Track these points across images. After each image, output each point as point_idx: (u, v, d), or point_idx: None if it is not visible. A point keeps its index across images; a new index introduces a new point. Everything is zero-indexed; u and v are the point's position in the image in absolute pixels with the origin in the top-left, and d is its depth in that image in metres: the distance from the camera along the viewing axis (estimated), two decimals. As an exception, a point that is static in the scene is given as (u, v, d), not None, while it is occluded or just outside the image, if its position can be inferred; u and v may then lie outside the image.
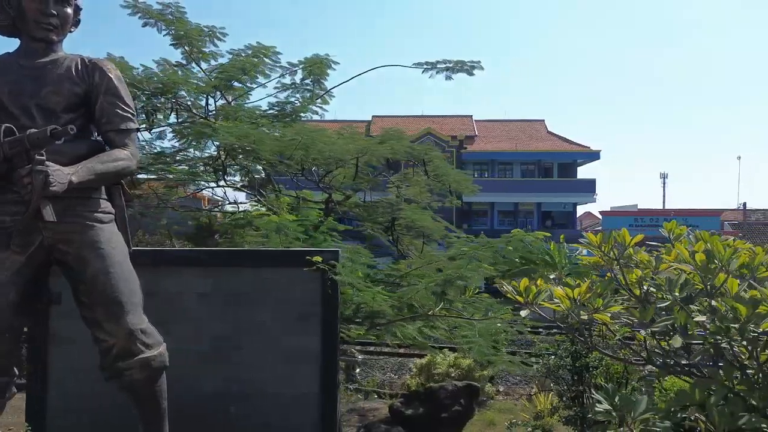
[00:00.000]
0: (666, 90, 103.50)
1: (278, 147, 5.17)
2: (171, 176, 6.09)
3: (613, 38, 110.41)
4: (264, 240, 4.37)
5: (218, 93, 6.70)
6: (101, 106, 2.41)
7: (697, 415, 2.43)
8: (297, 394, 3.74)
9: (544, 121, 41.34)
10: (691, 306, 2.66)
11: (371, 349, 10.98)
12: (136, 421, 2.67)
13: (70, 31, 2.53)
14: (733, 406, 2.50)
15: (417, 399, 6.79)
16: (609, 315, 2.41)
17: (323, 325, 3.74)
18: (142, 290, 3.72)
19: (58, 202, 2.15)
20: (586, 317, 2.36)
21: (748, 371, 2.68)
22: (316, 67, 7.27)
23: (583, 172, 40.22)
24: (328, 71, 7.42)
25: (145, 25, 6.96)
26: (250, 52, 6.93)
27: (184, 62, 7.16)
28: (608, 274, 3.02)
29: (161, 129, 6.37)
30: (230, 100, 7.07)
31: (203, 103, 6.83)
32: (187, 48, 6.98)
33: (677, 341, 2.60)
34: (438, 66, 7.30)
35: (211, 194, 8.80)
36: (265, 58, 6.83)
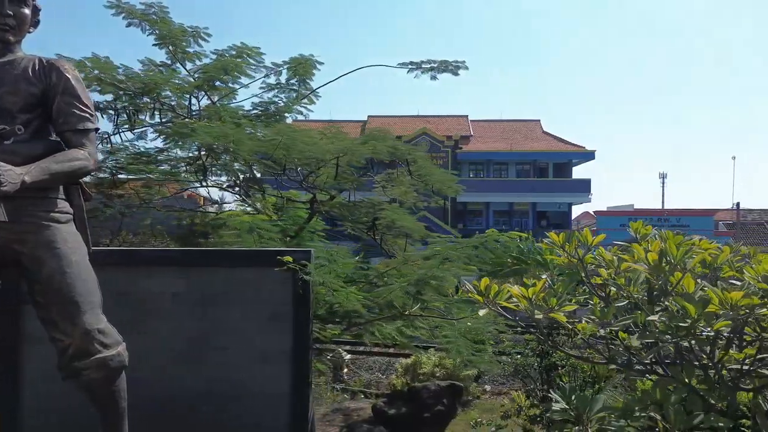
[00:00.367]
0: (664, 90, 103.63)
1: (258, 147, 5.17)
2: (153, 176, 6.09)
3: (612, 38, 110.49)
4: (239, 240, 4.37)
5: (201, 93, 6.70)
6: (58, 106, 2.41)
7: (652, 414, 2.44)
8: (269, 393, 3.74)
9: (539, 121, 41.41)
10: (656, 305, 2.68)
11: (361, 349, 11.00)
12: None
13: (29, 32, 2.53)
14: (691, 405, 2.51)
15: (400, 399, 6.80)
16: (564, 314, 2.42)
17: (295, 325, 3.75)
18: (113, 290, 3.73)
19: (11, 202, 2.15)
20: (540, 317, 2.37)
21: (709, 371, 2.70)
22: (301, 68, 7.28)
23: (582, 172, 40.37)
24: (314, 71, 7.44)
25: (129, 25, 6.96)
26: (234, 52, 6.94)
27: (169, 62, 7.16)
28: (576, 273, 3.04)
29: (142, 129, 6.38)
30: (215, 100, 7.08)
31: (187, 103, 6.83)
32: (171, 48, 6.98)
33: (635, 341, 2.62)
34: (423, 66, 7.30)
35: (207, 194, 8.82)
36: (248, 58, 6.84)
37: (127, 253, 4.09)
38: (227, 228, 4.61)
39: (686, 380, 2.61)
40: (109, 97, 6.27)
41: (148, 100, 6.56)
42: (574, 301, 2.74)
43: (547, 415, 2.75)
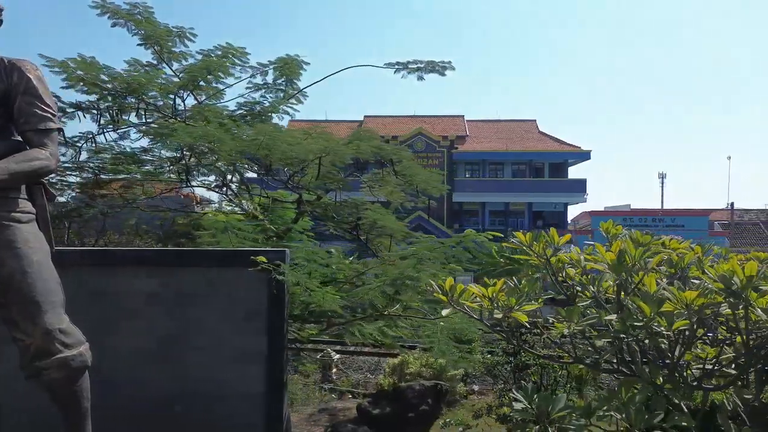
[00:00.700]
0: (662, 90, 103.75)
1: (239, 147, 5.16)
2: (137, 176, 6.08)
3: (609, 38, 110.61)
4: (214, 240, 4.37)
5: (186, 93, 6.69)
6: (19, 106, 2.41)
7: (613, 413, 2.45)
8: (244, 393, 3.74)
9: (535, 121, 41.47)
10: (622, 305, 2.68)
11: (351, 349, 10.99)
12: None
13: (-8, 32, 2.53)
14: (655, 404, 2.52)
15: (385, 399, 6.81)
16: (528, 314, 2.42)
17: (270, 325, 3.75)
18: (88, 290, 3.73)
19: (-31, 201, 2.15)
20: (500, 316, 2.38)
21: (673, 370, 2.71)
22: (288, 68, 7.27)
23: (580, 172, 40.41)
24: (300, 71, 7.44)
25: (114, 25, 6.94)
26: (219, 52, 6.92)
27: (155, 63, 7.15)
28: (545, 274, 3.04)
29: (126, 129, 6.37)
30: (201, 100, 7.07)
31: (172, 103, 6.82)
32: (156, 48, 6.97)
33: (600, 340, 2.63)
34: (409, 66, 7.31)
35: (192, 192, 8.81)
36: (234, 58, 6.83)
37: (102, 253, 4.09)
38: (202, 228, 4.60)
39: (651, 379, 2.62)
40: (93, 97, 6.26)
41: (133, 100, 6.55)
42: (540, 300, 2.75)
43: (510, 414, 2.75)
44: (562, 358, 3.01)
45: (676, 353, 2.52)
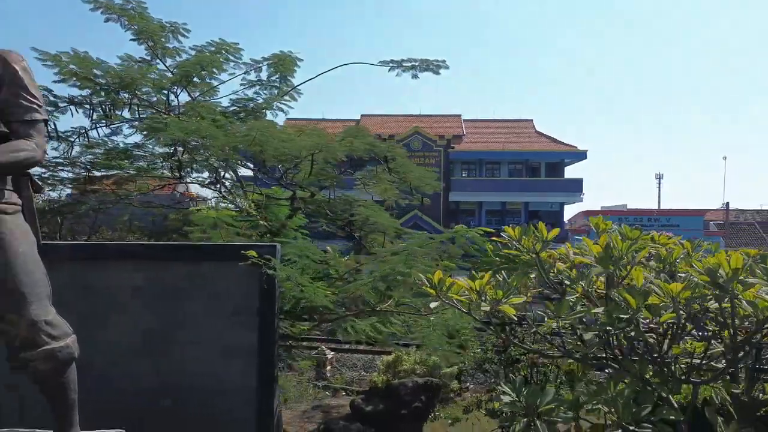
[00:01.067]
0: (658, 91, 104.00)
1: (231, 142, 5.14)
2: (130, 172, 6.05)
3: (606, 38, 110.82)
4: (205, 236, 4.36)
5: (180, 89, 6.67)
6: (5, 97, 2.39)
7: (600, 406, 2.45)
8: (235, 388, 3.73)
9: (532, 120, 41.50)
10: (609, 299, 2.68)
11: (345, 346, 10.99)
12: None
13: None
14: (643, 398, 2.52)
15: (378, 396, 6.82)
16: (515, 307, 2.42)
17: (261, 320, 3.74)
18: (77, 284, 3.71)
19: (-47, 192, 2.13)
20: (487, 308, 2.37)
21: (664, 365, 2.71)
22: (282, 64, 7.26)
23: (577, 172, 40.45)
24: (294, 68, 7.43)
25: (107, 20, 6.92)
26: (213, 48, 6.91)
27: (148, 58, 7.13)
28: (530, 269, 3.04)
29: (118, 125, 6.34)
30: (195, 96, 7.05)
31: (165, 99, 6.80)
32: (150, 44, 6.95)
33: (588, 334, 2.62)
34: (404, 64, 7.30)
35: (187, 191, 8.78)
36: (227, 54, 6.81)
37: (92, 248, 4.08)
38: (192, 225, 4.59)
39: (639, 374, 2.63)
40: (86, 92, 6.23)
41: (126, 95, 6.53)
42: (529, 294, 2.75)
43: (498, 407, 2.75)
44: (552, 353, 3.00)
45: (664, 347, 2.52)
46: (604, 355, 2.78)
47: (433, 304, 2.53)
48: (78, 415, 2.58)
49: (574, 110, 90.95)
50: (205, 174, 7.14)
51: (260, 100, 7.02)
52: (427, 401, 6.48)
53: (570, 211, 41.79)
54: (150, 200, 6.91)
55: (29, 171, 2.51)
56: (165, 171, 6.22)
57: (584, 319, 2.69)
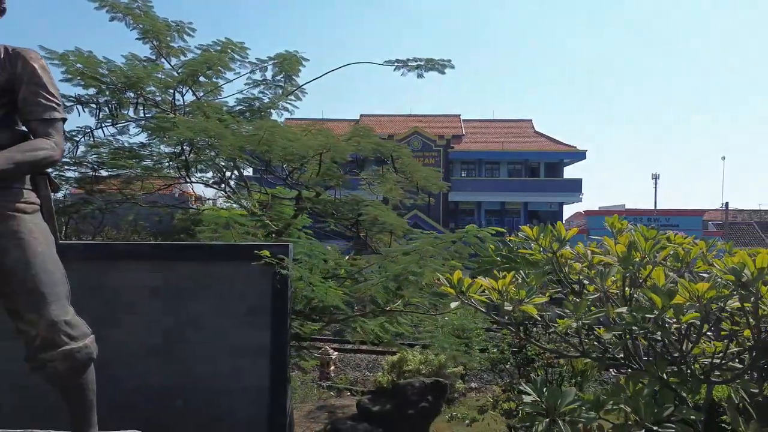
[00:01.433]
0: (657, 91, 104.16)
1: (239, 142, 5.13)
2: (134, 172, 6.03)
3: (605, 39, 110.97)
4: (217, 236, 4.34)
5: (185, 88, 6.65)
6: (24, 95, 2.37)
7: (622, 406, 2.44)
8: (247, 388, 3.72)
9: (531, 121, 41.54)
10: (627, 298, 2.68)
11: (348, 347, 10.98)
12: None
13: (-5, 20, 2.49)
14: (663, 398, 2.51)
15: (384, 396, 6.80)
16: (536, 307, 2.41)
17: (273, 320, 3.73)
18: (89, 284, 3.69)
19: (-26, 191, 2.11)
20: (510, 308, 2.36)
21: (681, 364, 2.70)
22: (287, 64, 7.25)
23: (574, 172, 40.46)
24: (299, 68, 7.41)
25: (112, 19, 6.90)
26: (219, 47, 6.89)
27: (153, 58, 7.11)
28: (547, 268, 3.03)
29: (124, 124, 6.32)
30: (200, 95, 7.03)
31: (171, 98, 6.78)
32: (155, 43, 6.93)
33: (606, 334, 2.61)
34: (409, 64, 7.29)
35: (186, 191, 8.75)
36: (233, 53, 6.80)
37: (104, 248, 4.06)
38: (204, 224, 4.57)
39: (658, 373, 2.62)
40: (92, 91, 6.21)
41: (131, 94, 6.51)
42: (547, 294, 2.74)
43: (519, 407, 2.74)
44: (568, 353, 2.99)
45: (684, 347, 2.51)
46: (621, 355, 2.78)
47: (453, 304, 2.52)
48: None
49: (572, 110, 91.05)
50: (209, 174, 7.15)
51: (266, 100, 7.00)
52: (434, 401, 6.47)
53: (567, 212, 41.89)
54: (155, 200, 6.89)
55: (47, 170, 2.49)
56: (171, 171, 6.20)
57: (601, 319, 2.68)
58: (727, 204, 33.03)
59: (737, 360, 2.71)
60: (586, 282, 2.72)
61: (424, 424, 6.51)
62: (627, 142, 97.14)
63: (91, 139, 6.19)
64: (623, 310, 2.30)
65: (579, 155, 38.35)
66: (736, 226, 37.94)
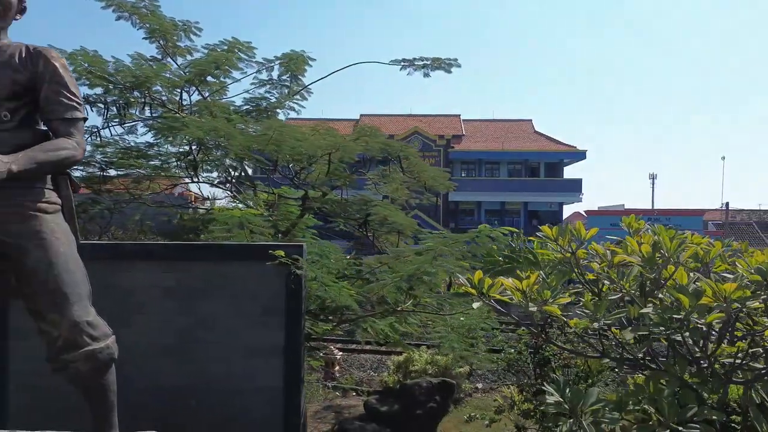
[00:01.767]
0: (657, 91, 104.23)
1: (248, 142, 5.11)
2: (142, 172, 6.02)
3: (604, 40, 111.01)
4: (229, 235, 4.33)
5: (192, 88, 6.63)
6: (45, 95, 2.36)
7: (646, 406, 2.44)
8: (261, 388, 3.71)
9: (531, 121, 41.55)
10: (648, 299, 2.67)
11: (352, 346, 10.97)
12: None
13: (15, 19, 2.48)
14: (684, 399, 2.51)
15: (392, 396, 6.79)
16: (559, 307, 2.41)
17: (288, 320, 3.72)
18: (102, 284, 3.68)
19: (-3, 191, 2.10)
20: (535, 309, 2.36)
21: (702, 364, 2.70)
22: (293, 63, 7.23)
23: (572, 172, 40.47)
24: (305, 67, 7.40)
25: (118, 18, 6.87)
26: (225, 47, 6.87)
27: (159, 57, 7.09)
28: (567, 269, 3.03)
29: (132, 123, 6.30)
30: (206, 95, 7.02)
31: (178, 98, 6.76)
32: (161, 42, 6.91)
33: (628, 334, 2.61)
34: (416, 63, 7.28)
35: (187, 190, 8.74)
36: (240, 53, 6.78)
37: (117, 248, 4.04)
38: (216, 223, 4.56)
39: (679, 374, 2.61)
40: (99, 90, 6.19)
41: (138, 94, 6.49)
42: (567, 295, 2.73)
43: (541, 408, 2.73)
44: (588, 353, 2.99)
45: (708, 348, 2.51)
46: (640, 355, 2.78)
47: (475, 304, 2.52)
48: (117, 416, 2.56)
49: (572, 110, 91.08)
50: (214, 174, 7.13)
51: (273, 100, 6.99)
52: (441, 401, 6.46)
53: (566, 212, 41.89)
54: (161, 200, 6.88)
55: (68, 169, 2.48)
56: (180, 171, 6.18)
57: (622, 320, 2.68)
58: (727, 204, 33.08)
59: (759, 360, 2.70)
60: (606, 282, 2.72)
61: (431, 425, 6.50)
62: (627, 142, 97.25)
63: (98, 138, 6.17)
64: (649, 310, 2.30)
65: (579, 155, 38.38)
66: (736, 226, 38.00)
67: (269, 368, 3.70)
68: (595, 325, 2.56)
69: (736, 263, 2.54)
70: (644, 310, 2.32)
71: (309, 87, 7.55)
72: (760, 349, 2.67)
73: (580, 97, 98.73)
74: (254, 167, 6.82)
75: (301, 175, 6.52)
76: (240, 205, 6.84)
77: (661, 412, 2.40)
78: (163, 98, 6.81)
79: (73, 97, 2.41)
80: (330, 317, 4.73)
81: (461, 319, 4.28)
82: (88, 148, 6.37)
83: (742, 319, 2.66)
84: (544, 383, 2.75)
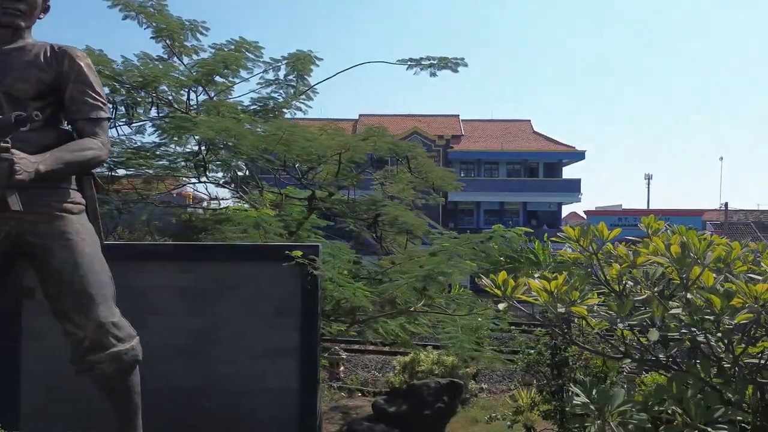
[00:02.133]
0: (657, 91, 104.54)
1: (259, 142, 5.10)
2: (150, 172, 6.00)
3: (603, 40, 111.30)
4: (243, 236, 4.32)
5: (200, 88, 6.62)
6: (71, 94, 2.35)
7: (674, 408, 2.43)
8: (277, 389, 3.70)
9: (530, 121, 41.61)
10: (671, 300, 2.67)
11: (355, 347, 10.96)
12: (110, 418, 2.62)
13: (39, 18, 2.47)
14: (709, 400, 2.50)
15: (400, 396, 6.78)
16: (586, 308, 2.40)
17: (303, 321, 3.71)
18: (116, 284, 3.66)
19: (24, 191, 2.09)
20: (563, 310, 2.35)
21: (724, 365, 2.69)
22: (300, 63, 7.22)
23: (572, 172, 40.55)
24: (312, 67, 7.39)
25: (125, 18, 6.86)
26: (232, 46, 6.86)
27: (165, 57, 7.07)
28: (589, 270, 3.02)
29: (141, 123, 6.29)
30: (212, 95, 7.00)
31: (184, 98, 6.75)
32: (168, 42, 6.89)
33: (654, 335, 2.60)
34: (422, 63, 7.28)
35: (192, 191, 8.72)
36: (247, 53, 6.76)
37: (130, 247, 4.03)
38: (230, 223, 4.55)
39: (701, 375, 2.61)
40: (106, 90, 6.17)
41: (145, 94, 6.47)
42: (594, 295, 2.73)
43: (567, 409, 2.73)
44: (610, 354, 2.98)
45: (734, 348, 2.50)
46: (661, 356, 2.77)
47: (501, 305, 2.51)
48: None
49: (571, 110, 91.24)
50: (219, 174, 7.12)
51: (280, 100, 6.98)
52: (449, 401, 6.45)
53: (565, 211, 41.98)
54: (168, 200, 6.86)
55: (93, 170, 2.47)
56: (188, 171, 6.16)
57: (645, 321, 2.67)
58: (726, 204, 33.19)
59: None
60: (630, 283, 2.72)
61: (440, 425, 6.49)
62: (626, 143, 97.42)
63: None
64: (679, 311, 2.29)
65: (578, 155, 38.46)
66: (734, 225, 38.11)
67: (285, 369, 3.69)
68: (620, 325, 2.56)
69: (761, 263, 2.54)
70: (674, 311, 2.32)
71: (315, 87, 7.54)
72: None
73: (579, 97, 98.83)
74: (263, 168, 6.80)
75: (308, 175, 6.51)
76: (245, 205, 6.82)
77: (688, 413, 2.40)
78: (169, 98, 6.80)
79: (98, 97, 2.40)
80: (342, 318, 4.72)
81: (479, 319, 4.27)
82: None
83: (762, 317, 2.66)
84: (569, 384, 2.74)
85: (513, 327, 6.64)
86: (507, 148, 38.12)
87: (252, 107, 6.94)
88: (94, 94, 2.39)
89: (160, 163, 6.06)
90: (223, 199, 7.64)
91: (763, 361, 2.67)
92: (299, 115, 7.63)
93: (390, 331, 4.80)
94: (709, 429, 2.31)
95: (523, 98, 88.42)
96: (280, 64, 7.26)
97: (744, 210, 44.00)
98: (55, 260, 2.26)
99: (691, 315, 2.25)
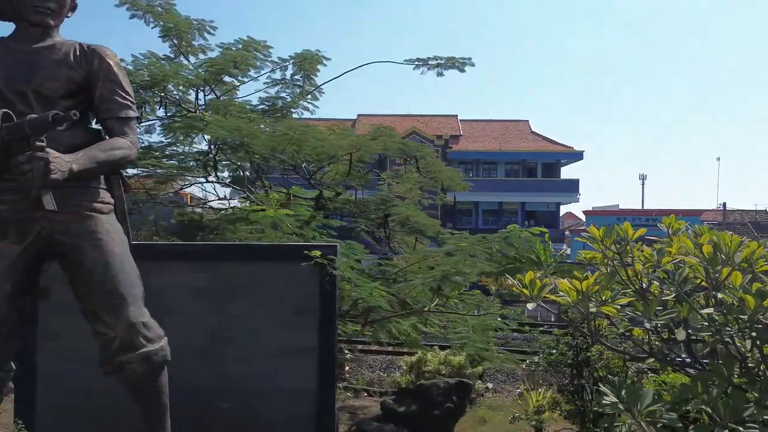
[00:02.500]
0: (655, 91, 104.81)
1: (271, 142, 5.10)
2: (160, 171, 5.98)
3: (602, 40, 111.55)
4: (259, 235, 4.31)
5: (208, 87, 6.60)
6: (100, 93, 2.34)
7: (702, 407, 2.44)
8: (294, 389, 3.69)
9: (528, 121, 41.69)
10: (697, 299, 2.68)
11: (360, 347, 10.94)
12: (128, 417, 2.61)
13: (68, 16, 2.46)
14: (736, 399, 2.51)
15: (408, 396, 6.76)
16: (616, 308, 2.41)
17: (321, 321, 3.70)
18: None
19: (57, 191, 2.08)
20: (594, 309, 2.36)
21: (749, 364, 2.70)
22: (307, 63, 7.21)
23: (571, 172, 40.62)
24: (318, 67, 7.38)
25: (132, 17, 6.84)
26: (240, 46, 6.84)
27: (172, 56, 7.05)
28: (604, 269, 3.03)
29: (150, 123, 6.27)
30: (219, 95, 6.98)
31: (192, 97, 6.73)
32: (175, 41, 6.87)
33: (681, 334, 2.61)
34: (429, 63, 7.27)
35: (202, 190, 8.70)
36: (256, 52, 6.75)
37: (147, 248, 4.01)
38: (245, 223, 4.54)
39: (726, 374, 2.61)
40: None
41: (153, 93, 6.45)
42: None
43: (595, 409, 2.73)
44: (635, 353, 3.00)
45: (762, 348, 2.51)
46: (684, 355, 2.78)
47: (530, 305, 2.51)
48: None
49: (570, 111, 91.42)
50: (225, 173, 7.11)
51: (288, 99, 6.96)
52: (458, 401, 6.44)
53: (563, 211, 42.06)
54: (175, 201, 6.84)
55: (122, 169, 2.46)
56: (198, 170, 6.15)
57: (672, 321, 2.68)
58: (724, 204, 33.30)
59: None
60: (655, 283, 2.72)
61: (449, 425, 6.49)
62: (625, 143, 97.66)
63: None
64: (711, 310, 2.30)
65: (576, 155, 38.54)
66: (731, 225, 38.24)
67: (302, 369, 3.68)
68: (647, 325, 2.57)
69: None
70: (706, 311, 2.33)
71: (321, 87, 7.53)
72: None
73: (577, 98, 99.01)
74: (272, 167, 6.79)
75: (317, 175, 6.50)
76: (253, 206, 6.80)
77: (717, 412, 2.40)
78: (177, 97, 6.78)
79: (127, 96, 2.40)
80: (356, 318, 4.72)
81: (498, 319, 4.28)
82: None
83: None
84: (591, 384, 2.74)
85: (527, 327, 6.63)
86: (505, 148, 38.17)
87: (260, 107, 6.93)
88: (123, 93, 2.38)
89: (170, 162, 6.05)
90: (228, 199, 7.63)
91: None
92: (306, 115, 7.63)
93: (402, 331, 4.80)
94: (740, 428, 2.32)
95: (522, 98, 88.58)
96: (287, 63, 7.25)
97: (741, 210, 44.19)
98: (87, 260, 2.25)
99: (725, 315, 2.26)
